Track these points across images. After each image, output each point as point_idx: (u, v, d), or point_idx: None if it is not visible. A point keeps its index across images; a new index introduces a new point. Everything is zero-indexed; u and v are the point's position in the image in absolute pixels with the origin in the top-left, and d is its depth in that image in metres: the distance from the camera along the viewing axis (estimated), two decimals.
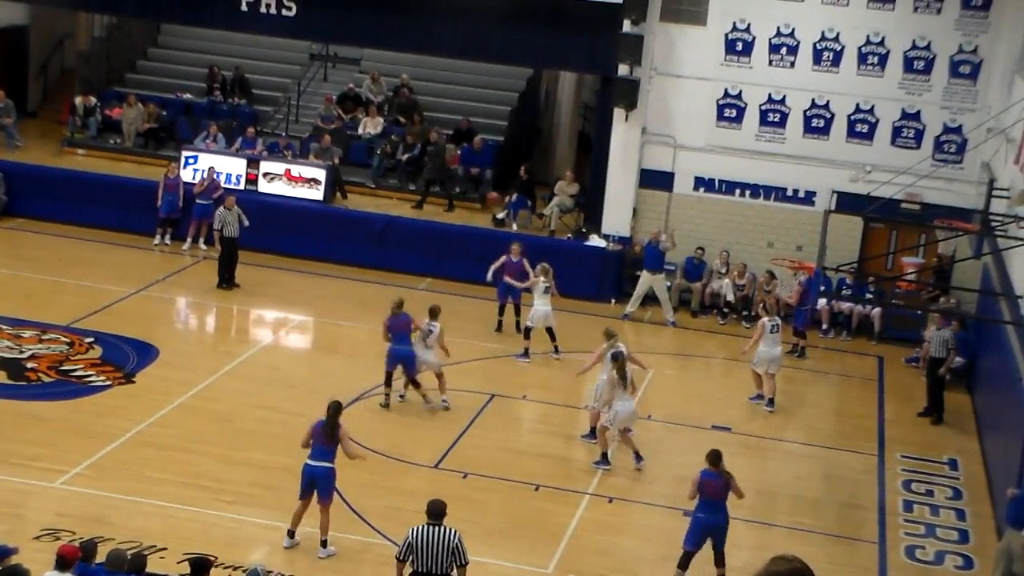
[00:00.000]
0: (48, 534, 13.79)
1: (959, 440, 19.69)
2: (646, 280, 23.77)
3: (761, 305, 21.11)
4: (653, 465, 17.39)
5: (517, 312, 22.27)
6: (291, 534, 14.36)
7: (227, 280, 23.24)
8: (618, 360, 17.08)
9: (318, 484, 14.08)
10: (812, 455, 18.78)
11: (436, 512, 12.02)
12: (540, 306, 21.16)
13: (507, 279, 22.03)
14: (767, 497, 17.12)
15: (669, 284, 24.71)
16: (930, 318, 21.30)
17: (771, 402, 19.95)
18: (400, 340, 18.35)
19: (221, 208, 23.49)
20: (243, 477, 15.99)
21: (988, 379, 20.28)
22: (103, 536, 13.46)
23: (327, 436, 14.10)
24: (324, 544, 14.23)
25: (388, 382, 18.50)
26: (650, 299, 24.75)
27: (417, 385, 18.45)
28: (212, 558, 12.61)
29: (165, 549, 13.73)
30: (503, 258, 21.99)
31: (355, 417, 18.18)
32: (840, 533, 16.24)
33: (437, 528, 11.91)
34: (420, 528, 11.95)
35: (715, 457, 14.14)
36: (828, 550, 15.52)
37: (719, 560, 14.18)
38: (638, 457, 17.24)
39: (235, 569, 13.47)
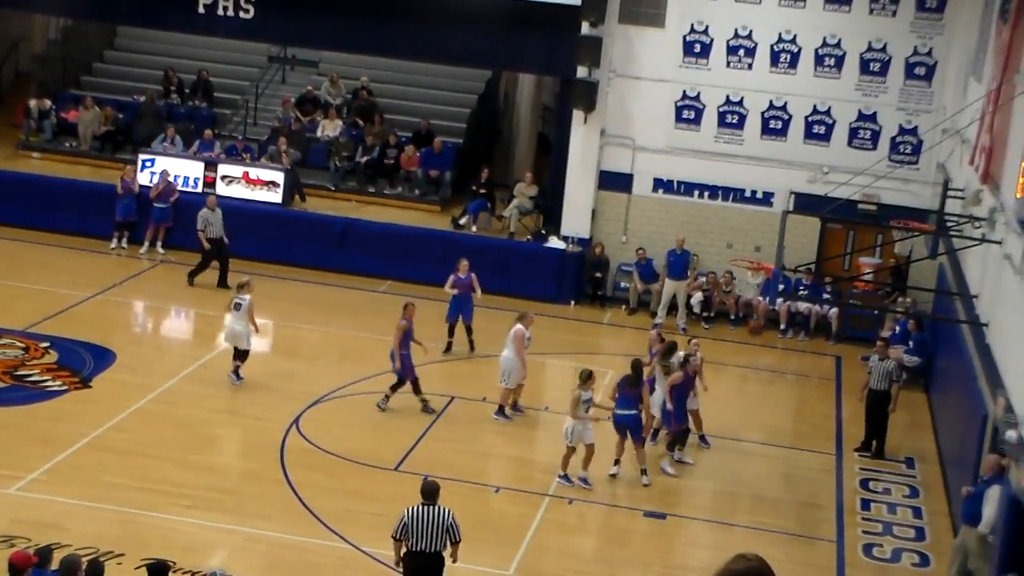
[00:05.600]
0: (2, 541, 13.64)
1: (916, 439, 19.84)
2: (671, 288, 23.86)
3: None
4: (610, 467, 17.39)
5: (469, 333, 21.25)
6: (616, 462, 16.92)
7: (223, 279, 23.20)
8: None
9: (629, 429, 16.74)
10: (771, 455, 18.86)
11: (430, 492, 12.47)
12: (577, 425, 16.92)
13: (453, 292, 21.02)
14: (726, 497, 17.23)
15: (627, 286, 24.78)
16: (876, 345, 19.31)
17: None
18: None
19: (204, 209, 23.35)
20: (201, 481, 15.89)
21: (944, 378, 20.43)
22: (59, 542, 13.34)
23: (631, 386, 16.78)
24: (644, 472, 16.87)
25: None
26: (609, 300, 24.84)
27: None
28: (170, 563, 12.51)
29: (123, 555, 13.64)
30: (451, 276, 21.15)
31: (314, 420, 18.14)
32: (799, 532, 16.32)
33: (431, 508, 12.32)
34: (415, 508, 12.36)
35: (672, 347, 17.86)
36: (787, 549, 15.60)
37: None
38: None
39: (194, 574, 13.38)
